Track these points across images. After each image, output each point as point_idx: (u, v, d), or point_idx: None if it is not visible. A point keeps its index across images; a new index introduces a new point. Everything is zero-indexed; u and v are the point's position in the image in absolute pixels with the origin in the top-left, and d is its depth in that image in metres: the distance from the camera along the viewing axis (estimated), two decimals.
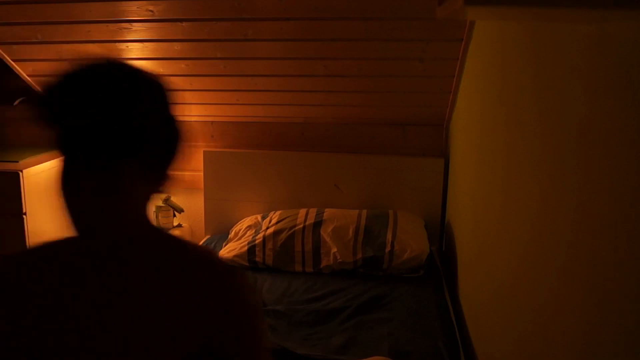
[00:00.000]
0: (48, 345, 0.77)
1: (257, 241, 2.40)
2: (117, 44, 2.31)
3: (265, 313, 1.95)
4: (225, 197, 2.82)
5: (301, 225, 2.41)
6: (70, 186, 0.80)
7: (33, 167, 2.52)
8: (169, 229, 2.85)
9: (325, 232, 2.37)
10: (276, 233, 2.41)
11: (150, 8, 2.11)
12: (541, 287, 1.08)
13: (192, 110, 2.75)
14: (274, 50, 2.27)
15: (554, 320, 1.00)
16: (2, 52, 2.43)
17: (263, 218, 2.59)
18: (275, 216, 2.53)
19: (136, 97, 0.81)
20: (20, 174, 2.43)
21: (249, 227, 2.57)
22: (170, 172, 0.85)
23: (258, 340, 0.86)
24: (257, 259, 2.36)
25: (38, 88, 2.68)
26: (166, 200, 2.81)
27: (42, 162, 2.60)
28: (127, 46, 2.32)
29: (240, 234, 2.55)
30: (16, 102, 2.92)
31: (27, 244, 2.48)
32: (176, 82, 2.53)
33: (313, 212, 2.51)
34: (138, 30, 2.22)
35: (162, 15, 2.14)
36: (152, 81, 0.85)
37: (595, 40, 0.85)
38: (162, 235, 0.85)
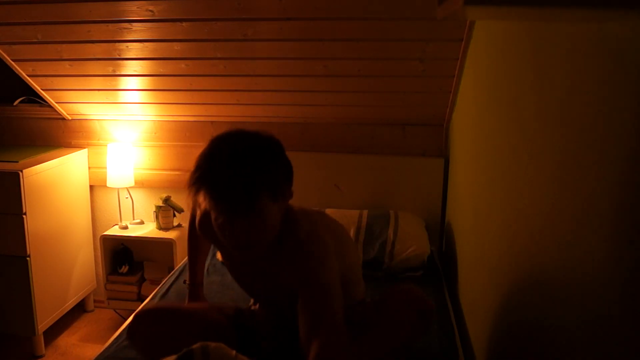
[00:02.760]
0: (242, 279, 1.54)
1: None
2: (117, 44, 2.31)
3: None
4: None
5: None
6: None
7: (33, 167, 2.52)
8: (169, 228, 2.85)
9: None
10: None
11: (150, 8, 2.11)
12: (542, 287, 1.08)
13: (192, 110, 2.75)
14: (274, 50, 2.27)
15: (555, 321, 1.00)
16: (2, 52, 2.43)
17: None
18: None
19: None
20: (20, 174, 2.43)
21: None
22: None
23: (318, 287, 1.30)
24: None
25: (38, 88, 2.68)
26: (166, 200, 2.81)
27: (42, 162, 2.60)
28: (127, 46, 2.32)
29: None
30: (16, 102, 2.92)
31: (27, 244, 2.48)
32: (176, 82, 2.53)
33: None
34: (138, 30, 2.22)
35: (162, 15, 2.14)
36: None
37: (595, 40, 0.85)
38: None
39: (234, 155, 1.19)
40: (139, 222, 2.95)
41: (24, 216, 2.47)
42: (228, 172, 1.17)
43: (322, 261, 1.34)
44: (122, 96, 2.69)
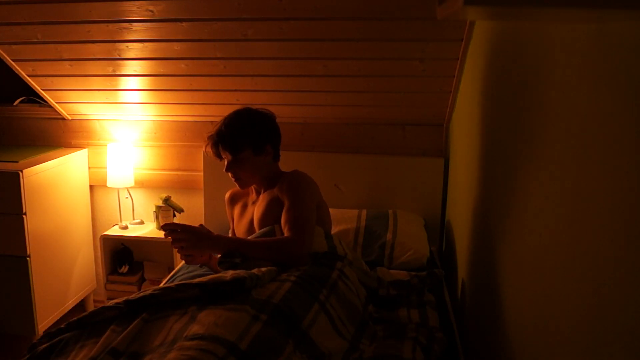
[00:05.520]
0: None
1: None
2: (117, 44, 2.31)
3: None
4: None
5: None
6: None
7: (33, 167, 2.52)
8: None
9: None
10: None
11: (150, 8, 2.11)
12: (541, 287, 1.08)
13: (192, 110, 2.75)
14: (274, 50, 2.27)
15: (554, 321, 1.00)
16: (2, 52, 2.43)
17: None
18: None
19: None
20: (20, 174, 2.43)
21: None
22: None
23: (296, 199, 1.83)
24: None
25: (38, 88, 2.68)
26: (166, 200, 2.81)
27: (42, 162, 2.60)
28: (127, 46, 2.32)
29: None
30: (16, 102, 2.92)
31: (27, 244, 2.48)
32: (176, 82, 2.53)
33: None
34: (138, 30, 2.22)
35: (162, 15, 2.14)
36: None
37: (595, 40, 0.85)
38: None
39: (228, 120, 1.89)
40: (139, 222, 2.95)
41: (24, 216, 2.47)
42: (221, 129, 1.88)
43: (303, 182, 1.88)
44: (122, 96, 2.69)
